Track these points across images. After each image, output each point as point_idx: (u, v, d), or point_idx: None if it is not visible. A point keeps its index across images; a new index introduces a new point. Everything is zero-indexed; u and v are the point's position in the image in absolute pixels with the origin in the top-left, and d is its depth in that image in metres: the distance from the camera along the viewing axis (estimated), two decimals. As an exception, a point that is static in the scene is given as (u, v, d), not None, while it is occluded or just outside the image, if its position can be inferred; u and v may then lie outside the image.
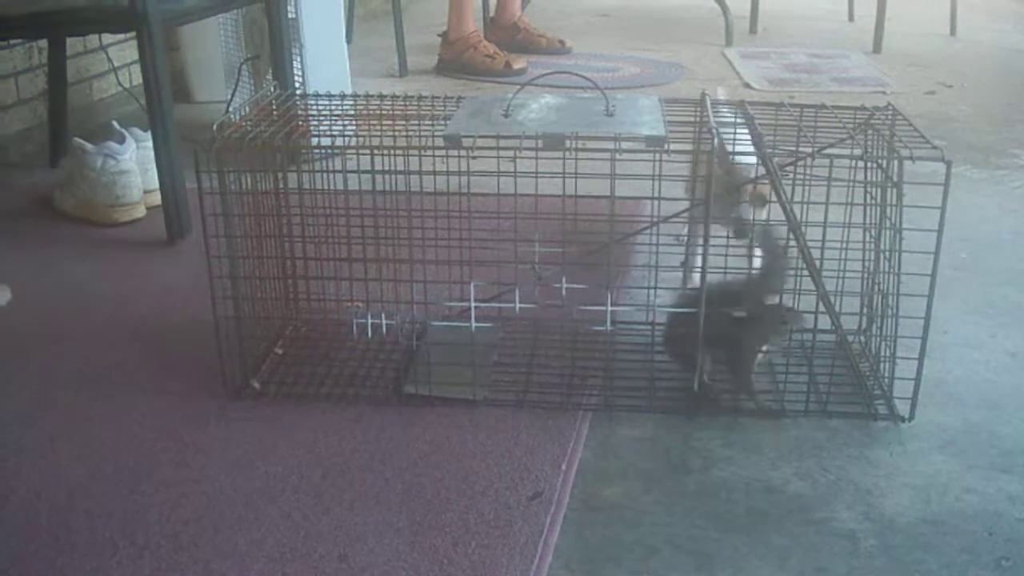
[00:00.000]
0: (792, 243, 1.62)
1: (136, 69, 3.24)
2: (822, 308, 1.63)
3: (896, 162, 1.56)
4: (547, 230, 1.72)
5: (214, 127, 1.57)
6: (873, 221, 1.70)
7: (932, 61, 4.22)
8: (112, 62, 3.28)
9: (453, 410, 1.62)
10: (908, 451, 1.54)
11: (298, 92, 1.91)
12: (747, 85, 3.79)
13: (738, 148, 1.67)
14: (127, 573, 1.27)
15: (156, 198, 2.34)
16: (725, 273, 1.68)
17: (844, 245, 1.68)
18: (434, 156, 1.57)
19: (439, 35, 4.11)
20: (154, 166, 2.32)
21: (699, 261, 1.62)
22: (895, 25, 4.57)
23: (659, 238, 1.71)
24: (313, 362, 1.76)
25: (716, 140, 1.56)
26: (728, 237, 1.73)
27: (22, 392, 1.69)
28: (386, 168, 1.60)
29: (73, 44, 3.07)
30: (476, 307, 1.65)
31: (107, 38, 3.27)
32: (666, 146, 1.55)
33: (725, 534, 1.36)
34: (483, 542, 1.33)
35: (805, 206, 1.62)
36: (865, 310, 1.79)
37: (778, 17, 5.13)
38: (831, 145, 1.62)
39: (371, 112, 1.75)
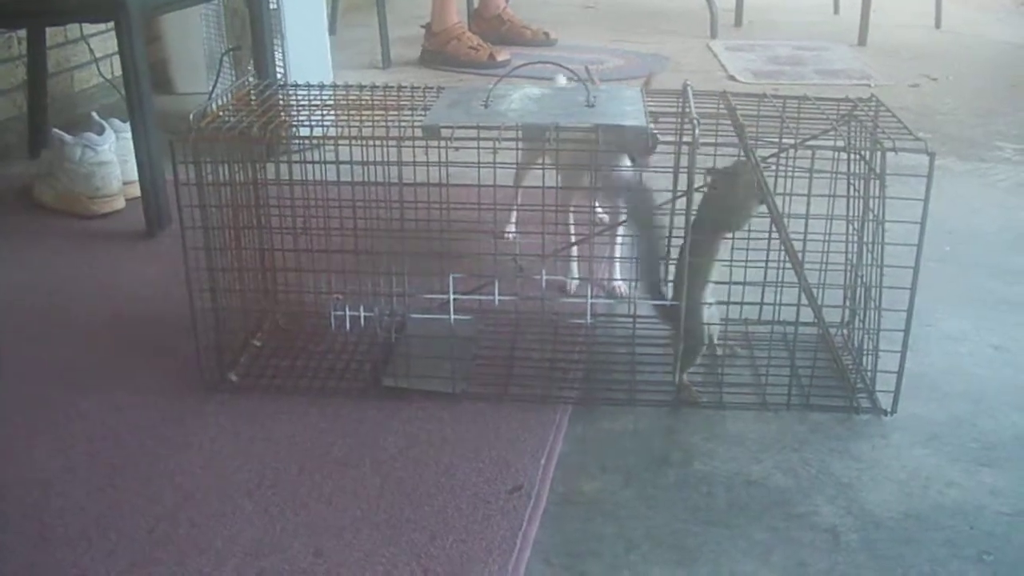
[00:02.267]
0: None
1: (118, 60, 3.20)
2: (804, 301, 1.63)
3: (879, 154, 1.55)
4: (527, 222, 1.70)
5: (191, 117, 1.56)
6: (856, 213, 1.69)
7: (917, 54, 4.22)
8: (93, 53, 3.26)
9: (432, 403, 1.61)
10: (890, 445, 1.54)
11: (278, 83, 1.89)
12: (732, 77, 3.78)
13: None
14: (101, 568, 1.26)
15: (136, 189, 2.33)
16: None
17: (827, 237, 1.68)
18: (413, 147, 1.56)
19: (423, 26, 4.09)
20: (133, 157, 2.31)
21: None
22: (880, 18, 4.57)
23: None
24: (291, 355, 1.74)
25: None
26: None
27: (-3, 385, 1.68)
28: (365, 159, 1.58)
29: (54, 34, 3.04)
30: (455, 299, 1.64)
31: (88, 28, 3.24)
32: (648, 136, 1.54)
33: (706, 528, 1.35)
34: (461, 536, 1.31)
35: (787, 198, 1.61)
36: (848, 303, 1.78)
37: (763, 10, 5.12)
38: (814, 137, 1.61)
39: (351, 103, 1.74)
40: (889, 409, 1.60)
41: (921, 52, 4.25)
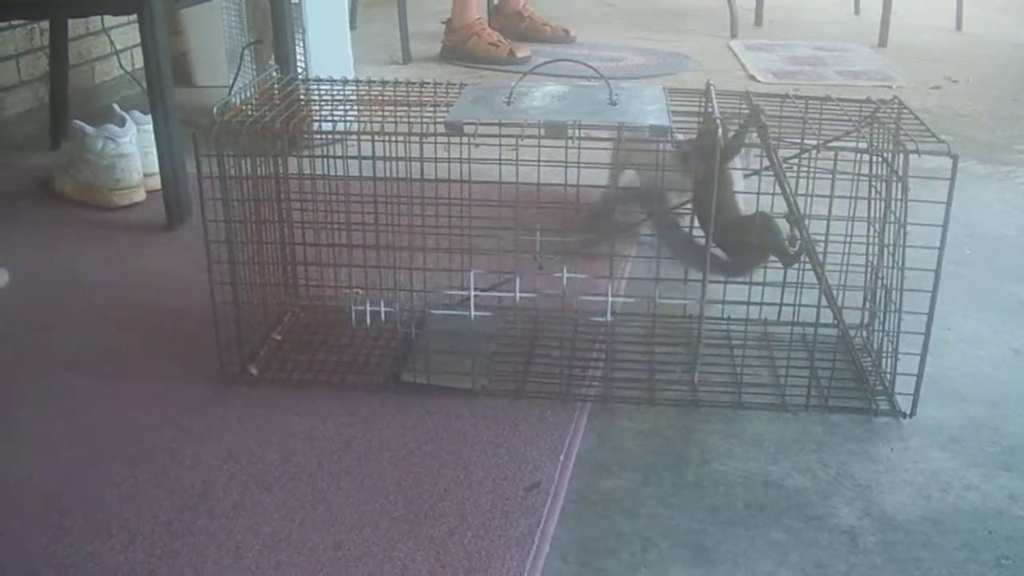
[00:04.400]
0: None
1: (139, 52, 3.22)
2: (824, 302, 1.62)
3: (901, 156, 1.55)
4: (548, 219, 1.70)
5: (214, 111, 1.56)
6: (877, 215, 1.69)
7: (938, 55, 4.20)
8: (114, 45, 3.27)
9: (451, 399, 1.61)
10: (909, 447, 1.53)
11: (300, 77, 1.89)
12: (752, 77, 3.77)
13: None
14: (120, 559, 1.26)
15: (156, 182, 2.33)
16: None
17: (848, 239, 1.67)
18: (435, 143, 1.56)
19: (443, 22, 4.09)
20: (154, 149, 2.31)
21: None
22: (901, 19, 4.56)
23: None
24: (311, 349, 1.75)
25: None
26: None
27: (18, 376, 1.68)
28: (387, 154, 1.59)
29: (75, 26, 3.05)
30: (476, 296, 1.64)
31: (109, 20, 3.25)
32: (670, 136, 1.54)
33: (724, 528, 1.35)
34: (480, 532, 1.32)
35: (809, 199, 1.61)
36: (868, 305, 1.77)
37: (784, 9, 5.11)
38: (836, 138, 1.61)
39: (373, 98, 1.74)
40: (908, 412, 1.60)
41: (942, 54, 4.24)
